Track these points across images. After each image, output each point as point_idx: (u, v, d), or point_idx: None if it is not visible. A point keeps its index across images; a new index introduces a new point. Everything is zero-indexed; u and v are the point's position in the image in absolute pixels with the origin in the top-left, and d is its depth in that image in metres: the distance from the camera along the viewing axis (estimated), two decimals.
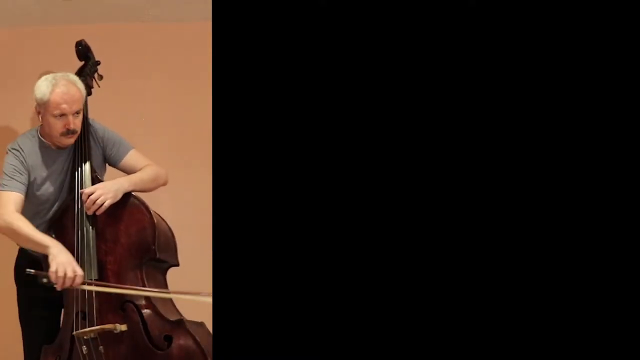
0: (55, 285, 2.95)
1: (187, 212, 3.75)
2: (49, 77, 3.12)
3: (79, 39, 3.47)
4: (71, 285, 2.95)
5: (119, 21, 3.94)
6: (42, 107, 3.10)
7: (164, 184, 3.32)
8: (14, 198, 3.07)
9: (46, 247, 2.99)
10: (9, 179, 3.09)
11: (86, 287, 3.01)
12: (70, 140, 3.15)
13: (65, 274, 2.92)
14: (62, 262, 2.94)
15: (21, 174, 3.10)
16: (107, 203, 3.08)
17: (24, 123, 3.83)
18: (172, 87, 3.95)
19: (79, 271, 2.96)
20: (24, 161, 3.12)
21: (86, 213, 3.10)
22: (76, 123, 3.11)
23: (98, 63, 3.43)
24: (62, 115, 3.08)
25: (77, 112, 3.12)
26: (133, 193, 3.17)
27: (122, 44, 3.90)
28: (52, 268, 2.93)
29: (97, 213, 3.09)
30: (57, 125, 3.09)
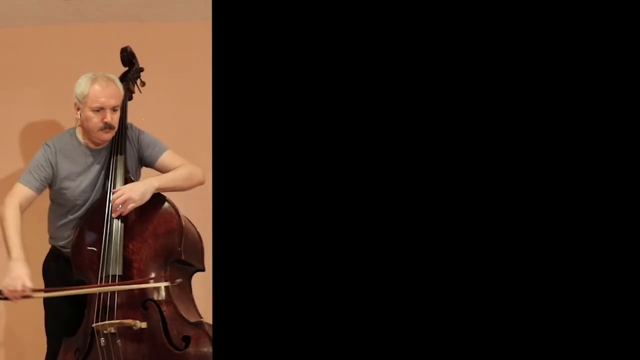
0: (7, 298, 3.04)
1: (188, 211, 3.74)
2: (89, 74, 3.24)
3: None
4: (20, 298, 3.02)
5: (119, 21, 3.94)
6: (82, 102, 3.19)
7: (200, 183, 3.34)
8: (23, 192, 3.15)
9: (10, 256, 3.06)
10: (28, 172, 3.19)
11: (97, 290, 3.07)
12: (108, 136, 3.22)
13: (14, 289, 3.00)
14: (14, 277, 3.01)
15: (41, 170, 3.18)
16: (131, 207, 3.14)
17: (26, 120, 3.84)
18: (172, 87, 3.95)
19: (28, 284, 3.02)
20: (50, 157, 3.20)
21: None
22: (113, 118, 3.20)
23: (141, 70, 3.51)
24: (101, 109, 3.17)
25: (115, 109, 3.21)
26: (164, 195, 3.21)
27: (122, 44, 3.89)
28: (4, 282, 3.02)
29: (122, 215, 3.15)
30: (95, 120, 3.18)
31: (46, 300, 3.26)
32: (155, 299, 3.09)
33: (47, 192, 3.27)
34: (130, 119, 3.64)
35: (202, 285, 3.29)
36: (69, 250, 3.22)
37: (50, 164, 3.19)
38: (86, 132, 3.24)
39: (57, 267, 3.26)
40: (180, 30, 3.94)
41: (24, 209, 3.13)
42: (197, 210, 3.40)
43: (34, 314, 3.36)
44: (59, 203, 3.25)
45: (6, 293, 3.01)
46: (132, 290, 3.08)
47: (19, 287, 2.99)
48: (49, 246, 3.34)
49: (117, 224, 3.16)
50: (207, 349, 3.03)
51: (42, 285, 3.27)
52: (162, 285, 3.11)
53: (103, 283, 3.09)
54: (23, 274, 3.02)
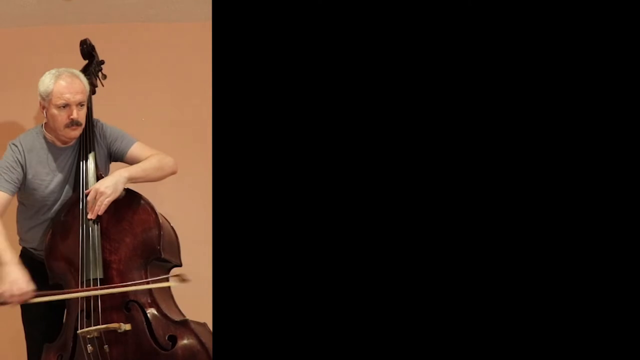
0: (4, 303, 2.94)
1: (188, 212, 3.75)
2: (53, 71, 3.14)
3: (79, 38, 3.47)
4: (20, 302, 2.94)
5: (119, 21, 3.94)
6: (46, 100, 3.10)
7: (173, 172, 3.28)
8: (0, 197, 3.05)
9: (2, 260, 2.96)
10: None
11: (84, 294, 3.02)
12: (75, 133, 3.14)
13: (11, 294, 2.91)
14: (10, 281, 2.92)
15: (12, 171, 3.08)
16: (107, 202, 3.06)
17: (26, 121, 3.84)
18: (172, 87, 3.95)
19: (25, 288, 2.93)
20: (19, 157, 3.11)
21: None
22: (80, 115, 3.11)
23: (102, 62, 3.44)
24: (66, 106, 3.08)
25: (81, 104, 3.12)
26: (139, 193, 3.16)
27: (122, 44, 3.90)
28: (2, 287, 2.92)
29: (99, 214, 3.08)
30: (61, 117, 3.09)
31: (25, 304, 3.15)
32: (138, 299, 3.05)
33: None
34: (129, 119, 3.63)
35: (191, 284, 3.27)
36: (41, 252, 3.15)
37: (20, 164, 3.10)
38: (52, 130, 3.14)
39: (32, 271, 3.10)
40: (180, 30, 3.94)
41: (1, 214, 3.03)
42: (171, 206, 3.40)
43: (15, 318, 3.29)
44: (27, 204, 3.16)
45: (5, 298, 2.90)
46: (114, 292, 3.02)
47: (17, 292, 2.91)
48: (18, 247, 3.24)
49: (94, 226, 3.08)
50: (195, 347, 3.01)
51: None
52: (162, 285, 3.08)
53: (91, 287, 3.03)
54: (21, 277, 2.93)
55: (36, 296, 2.97)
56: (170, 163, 3.27)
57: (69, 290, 3.05)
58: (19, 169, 3.10)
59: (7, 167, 3.09)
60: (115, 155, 3.28)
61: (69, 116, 3.08)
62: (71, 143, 3.18)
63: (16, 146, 3.14)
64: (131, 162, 3.26)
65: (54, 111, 3.09)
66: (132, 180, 3.15)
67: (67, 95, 3.08)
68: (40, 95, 3.12)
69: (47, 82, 3.11)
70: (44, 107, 3.13)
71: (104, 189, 3.07)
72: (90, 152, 3.18)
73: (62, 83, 3.09)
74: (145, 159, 3.23)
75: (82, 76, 3.19)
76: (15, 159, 3.10)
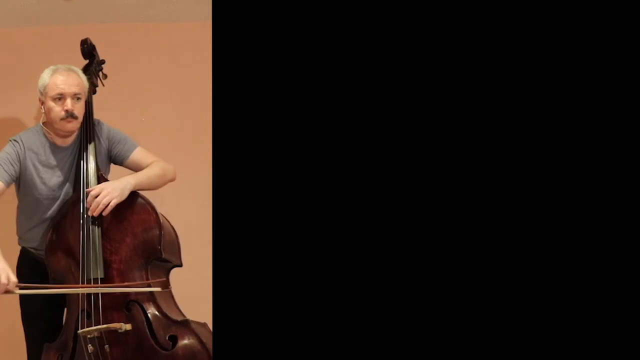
0: None
1: (188, 212, 3.75)
2: (51, 67, 3.18)
3: (79, 38, 3.48)
4: (5, 292, 2.90)
5: (119, 21, 3.94)
6: (43, 94, 3.13)
7: (172, 180, 3.31)
8: None
9: None
10: None
11: (84, 290, 3.02)
12: (71, 126, 3.14)
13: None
14: None
15: (11, 164, 3.09)
16: (113, 203, 3.07)
17: (26, 121, 3.84)
18: (172, 87, 3.96)
19: (13, 278, 2.91)
20: (19, 152, 3.12)
21: None
22: (76, 107, 3.12)
23: (103, 62, 3.45)
24: (61, 97, 3.10)
25: (77, 97, 3.13)
26: (140, 192, 3.16)
27: (122, 44, 3.90)
28: None
29: (104, 214, 3.08)
30: (57, 109, 3.10)
31: (24, 303, 3.19)
32: (138, 299, 3.05)
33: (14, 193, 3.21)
34: (129, 119, 3.63)
35: (181, 281, 3.27)
36: (41, 252, 3.15)
37: (19, 160, 3.11)
38: (50, 125, 3.14)
39: (32, 273, 3.15)
40: (180, 30, 3.94)
41: None
42: (171, 206, 3.39)
43: (14, 318, 3.29)
44: (27, 202, 3.16)
45: None
46: (114, 292, 3.03)
47: (4, 280, 2.87)
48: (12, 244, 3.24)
49: (94, 226, 3.08)
50: (195, 347, 3.01)
51: None
52: (155, 289, 3.08)
53: (86, 284, 3.02)
54: (6, 267, 2.90)
55: (21, 288, 2.95)
56: (171, 170, 3.30)
57: (57, 285, 3.04)
58: (18, 164, 3.11)
59: (7, 160, 3.10)
60: (116, 159, 3.29)
61: (64, 107, 3.09)
62: (70, 141, 3.18)
63: (17, 142, 3.15)
64: (132, 167, 3.27)
65: (50, 103, 3.11)
66: (137, 187, 3.16)
67: (62, 86, 3.11)
68: (39, 91, 3.14)
69: (44, 76, 3.15)
70: (42, 103, 3.15)
71: (111, 189, 3.08)
72: (90, 151, 3.18)
73: (58, 76, 3.12)
74: (147, 165, 3.25)
75: (80, 72, 3.22)
76: (16, 153, 3.12)
